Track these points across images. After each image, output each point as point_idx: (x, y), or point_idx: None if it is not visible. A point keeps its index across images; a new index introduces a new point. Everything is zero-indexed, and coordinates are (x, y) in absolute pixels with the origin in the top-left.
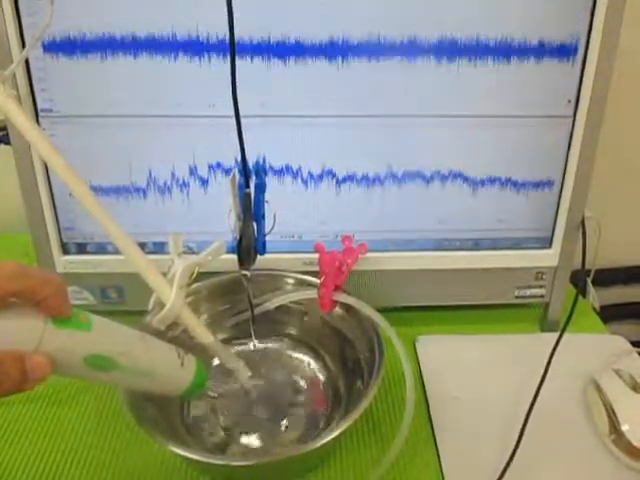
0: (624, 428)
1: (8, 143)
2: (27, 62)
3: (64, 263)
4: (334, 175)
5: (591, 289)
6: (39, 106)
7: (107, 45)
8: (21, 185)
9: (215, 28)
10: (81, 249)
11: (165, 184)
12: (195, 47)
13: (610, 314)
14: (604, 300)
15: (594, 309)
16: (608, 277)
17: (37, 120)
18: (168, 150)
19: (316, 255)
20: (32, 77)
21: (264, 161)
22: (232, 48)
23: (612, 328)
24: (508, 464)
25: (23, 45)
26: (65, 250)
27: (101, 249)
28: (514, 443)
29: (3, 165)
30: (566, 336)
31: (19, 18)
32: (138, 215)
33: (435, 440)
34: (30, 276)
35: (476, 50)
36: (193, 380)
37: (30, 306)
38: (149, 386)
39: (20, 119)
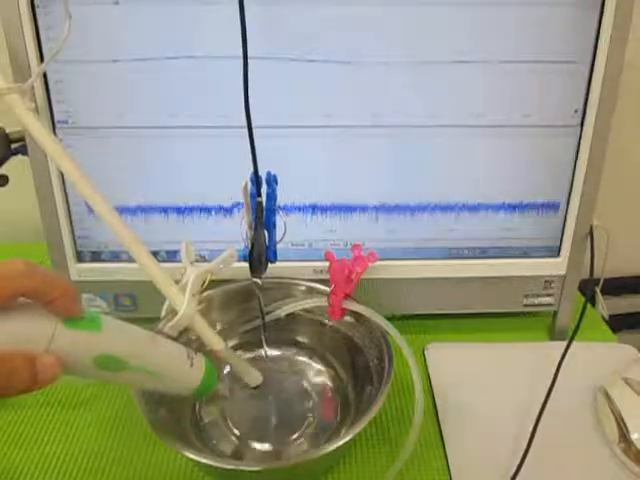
0: (633, 437)
1: (26, 154)
2: (45, 75)
3: (79, 271)
4: (344, 185)
5: (600, 298)
6: (56, 118)
7: (122, 58)
8: (38, 195)
9: (229, 41)
10: (95, 257)
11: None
12: (207, 58)
13: (620, 323)
14: (614, 309)
15: (603, 318)
16: (618, 286)
17: (54, 131)
18: (182, 160)
19: (326, 263)
20: (50, 89)
21: (275, 172)
22: (245, 61)
23: (621, 337)
24: (517, 472)
25: (41, 58)
26: (80, 258)
27: (115, 257)
28: (523, 451)
29: (21, 175)
30: (575, 345)
31: (37, 32)
32: (151, 224)
33: (444, 448)
34: (39, 275)
35: (482, 61)
36: (203, 380)
37: (41, 306)
38: (159, 386)
39: (38, 131)
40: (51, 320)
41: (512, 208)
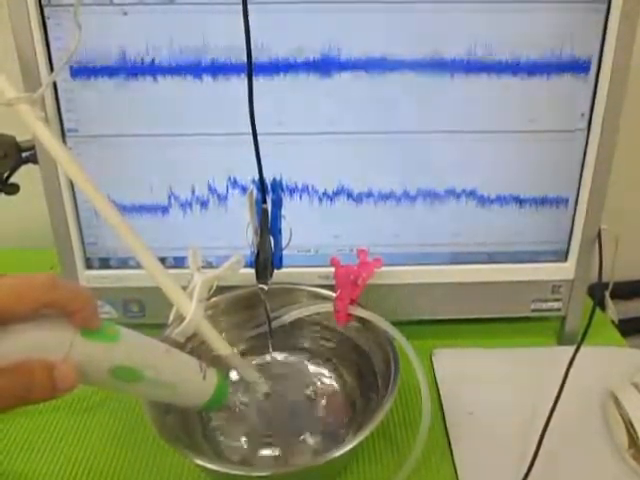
0: None
1: (36, 162)
2: (55, 84)
3: (87, 277)
4: (350, 191)
5: (609, 302)
6: (65, 126)
7: (130, 68)
8: (48, 202)
9: (234, 48)
10: (104, 264)
11: (186, 200)
12: (214, 67)
13: (629, 327)
14: (623, 313)
15: (613, 322)
16: (627, 290)
17: (64, 140)
18: (188, 168)
19: (332, 269)
20: (59, 99)
21: (281, 178)
22: (249, 67)
23: (631, 342)
24: (525, 478)
25: (51, 68)
26: (89, 265)
27: (123, 264)
28: (531, 457)
29: (31, 183)
30: (584, 349)
31: (47, 42)
32: (159, 231)
33: (452, 454)
34: (62, 289)
35: (489, 66)
36: (214, 394)
37: (60, 317)
38: (171, 398)
39: (48, 140)
40: (69, 330)
41: (519, 213)
